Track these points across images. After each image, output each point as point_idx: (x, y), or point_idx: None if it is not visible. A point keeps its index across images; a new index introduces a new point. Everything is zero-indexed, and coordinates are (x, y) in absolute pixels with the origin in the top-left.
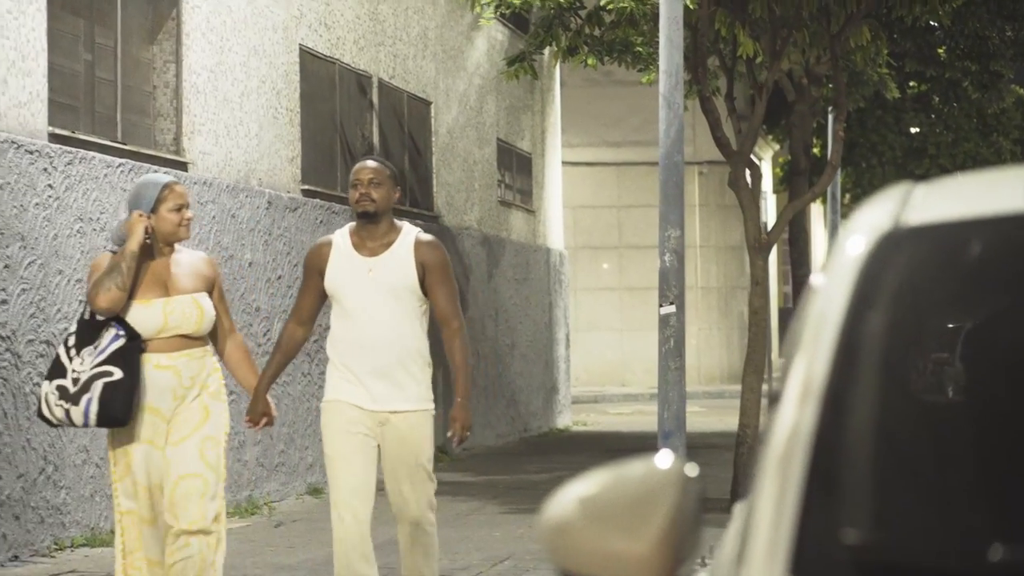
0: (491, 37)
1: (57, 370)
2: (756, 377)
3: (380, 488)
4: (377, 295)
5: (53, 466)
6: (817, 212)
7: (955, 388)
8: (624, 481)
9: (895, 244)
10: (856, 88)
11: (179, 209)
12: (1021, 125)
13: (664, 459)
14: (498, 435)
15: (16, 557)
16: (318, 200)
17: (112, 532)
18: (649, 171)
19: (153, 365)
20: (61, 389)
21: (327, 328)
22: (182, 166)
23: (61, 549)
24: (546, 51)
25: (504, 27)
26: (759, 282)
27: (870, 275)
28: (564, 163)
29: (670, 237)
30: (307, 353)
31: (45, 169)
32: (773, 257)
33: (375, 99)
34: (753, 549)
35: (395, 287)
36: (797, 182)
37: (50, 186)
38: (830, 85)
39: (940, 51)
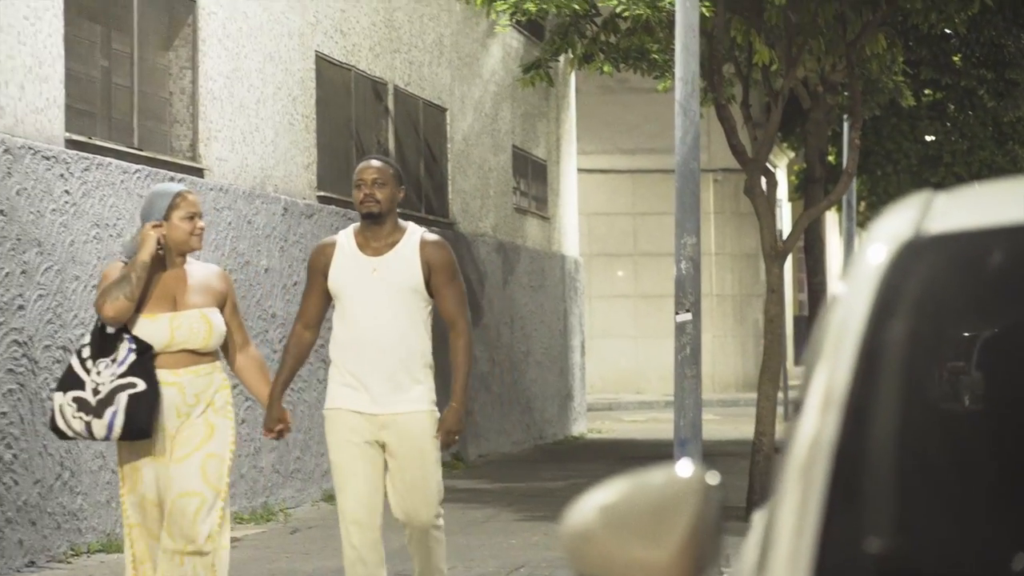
0: (506, 44)
1: (72, 381)
2: (772, 385)
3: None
4: (381, 295)
5: (70, 472)
6: (832, 220)
7: (977, 396)
8: (645, 489)
9: (916, 253)
10: (871, 96)
11: (191, 218)
12: None
13: (685, 467)
14: (513, 442)
15: (33, 563)
16: (334, 206)
17: None
18: (664, 178)
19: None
20: (79, 401)
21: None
22: (198, 172)
23: (77, 555)
24: (561, 58)
25: (519, 34)
26: (775, 290)
27: (891, 284)
28: (579, 170)
29: (686, 244)
30: (322, 360)
31: (62, 175)
32: (788, 265)
33: (391, 106)
34: (775, 558)
35: (400, 287)
36: (812, 190)
37: (67, 192)
38: (845, 93)
39: (956, 59)
